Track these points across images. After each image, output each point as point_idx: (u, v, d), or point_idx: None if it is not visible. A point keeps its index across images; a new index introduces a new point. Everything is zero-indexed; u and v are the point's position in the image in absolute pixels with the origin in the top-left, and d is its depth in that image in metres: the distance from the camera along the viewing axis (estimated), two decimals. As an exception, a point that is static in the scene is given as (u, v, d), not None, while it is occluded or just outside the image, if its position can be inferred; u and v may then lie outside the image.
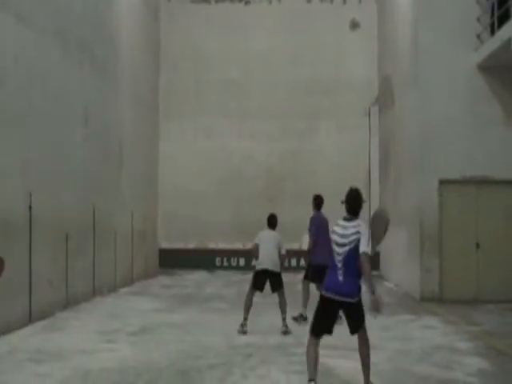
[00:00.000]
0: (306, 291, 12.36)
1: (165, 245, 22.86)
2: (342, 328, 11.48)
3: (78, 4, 14.53)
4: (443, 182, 15.52)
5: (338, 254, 7.55)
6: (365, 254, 7.43)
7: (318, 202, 12.91)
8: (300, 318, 12.06)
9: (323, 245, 11.14)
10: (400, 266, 18.15)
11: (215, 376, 8.12)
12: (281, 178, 22.75)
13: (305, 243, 12.86)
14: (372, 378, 8.05)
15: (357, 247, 7.46)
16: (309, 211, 22.01)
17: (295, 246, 21.58)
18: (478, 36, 15.42)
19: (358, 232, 7.52)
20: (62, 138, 13.54)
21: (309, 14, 23.36)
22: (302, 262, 21.55)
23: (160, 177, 22.98)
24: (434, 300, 15.03)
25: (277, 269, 11.53)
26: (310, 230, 12.55)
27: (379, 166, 22.38)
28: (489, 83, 15.49)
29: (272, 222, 12.04)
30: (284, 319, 11.31)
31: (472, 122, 15.45)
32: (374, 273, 21.70)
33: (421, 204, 15.76)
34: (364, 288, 7.38)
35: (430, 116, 15.65)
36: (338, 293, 7.42)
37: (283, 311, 11.39)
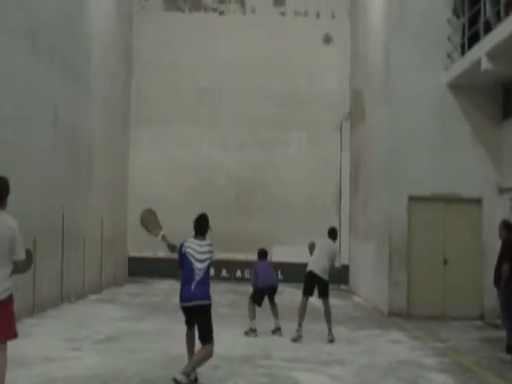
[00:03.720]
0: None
1: (134, 253, 22.70)
2: (310, 341, 11.59)
3: (48, 7, 14.43)
4: (412, 199, 15.61)
5: (199, 268, 8.31)
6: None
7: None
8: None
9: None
10: (368, 280, 18.22)
11: (182, 386, 8.08)
12: (251, 188, 22.75)
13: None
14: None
15: (210, 262, 8.43)
16: (278, 222, 22.08)
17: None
18: (449, 55, 15.60)
19: (211, 251, 8.54)
20: (31, 141, 13.41)
21: (283, 27, 23.46)
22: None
23: (130, 183, 22.84)
24: (401, 315, 15.10)
25: (324, 276, 12.16)
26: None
27: (350, 181, 22.49)
28: (458, 102, 15.65)
29: (333, 234, 12.76)
30: (330, 328, 11.98)
31: (441, 139, 15.59)
32: (343, 287, 21.90)
33: (390, 219, 15.84)
34: None
35: (400, 133, 15.78)
36: (193, 299, 8.18)
37: (328, 320, 12.09)
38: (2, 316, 6.76)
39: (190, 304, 8.17)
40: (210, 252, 8.52)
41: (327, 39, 23.59)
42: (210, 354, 8.10)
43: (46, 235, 14.07)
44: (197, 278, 8.20)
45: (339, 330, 13.09)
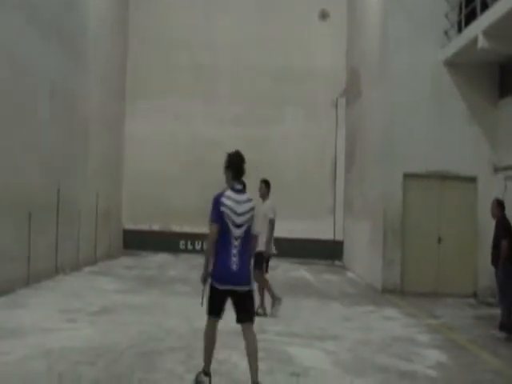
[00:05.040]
0: None
1: (129, 226, 22.73)
2: (304, 316, 11.64)
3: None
4: (407, 176, 15.63)
5: (236, 236, 6.66)
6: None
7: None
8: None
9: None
10: (363, 257, 18.28)
11: (176, 359, 8.12)
12: (247, 164, 22.63)
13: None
14: (333, 367, 8.14)
15: (250, 227, 6.76)
16: (272, 198, 22.04)
17: (259, 233, 21.74)
18: (446, 33, 15.54)
19: (253, 208, 6.82)
20: (27, 115, 13.35)
21: (279, 1, 23.30)
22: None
23: (126, 157, 22.83)
24: (395, 292, 15.19)
25: None
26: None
27: (345, 157, 22.47)
28: (455, 80, 15.62)
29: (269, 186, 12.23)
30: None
31: (437, 117, 15.57)
32: (337, 263, 21.96)
33: (385, 196, 15.87)
34: None
35: (396, 110, 15.76)
36: (235, 284, 6.64)
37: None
38: None
39: (228, 288, 6.64)
40: (251, 211, 6.79)
41: (324, 15, 23.40)
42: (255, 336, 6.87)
43: (42, 208, 14.07)
44: (233, 250, 6.59)
45: (333, 306, 13.17)
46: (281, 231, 21.88)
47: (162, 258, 21.22)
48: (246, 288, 6.71)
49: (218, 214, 6.65)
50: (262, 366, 7.92)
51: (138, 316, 10.87)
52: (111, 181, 20.95)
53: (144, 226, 22.79)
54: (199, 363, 7.90)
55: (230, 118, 23.07)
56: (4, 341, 8.56)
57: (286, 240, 21.92)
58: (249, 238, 6.77)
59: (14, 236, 12.53)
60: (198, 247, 22.78)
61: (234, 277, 6.61)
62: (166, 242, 22.56)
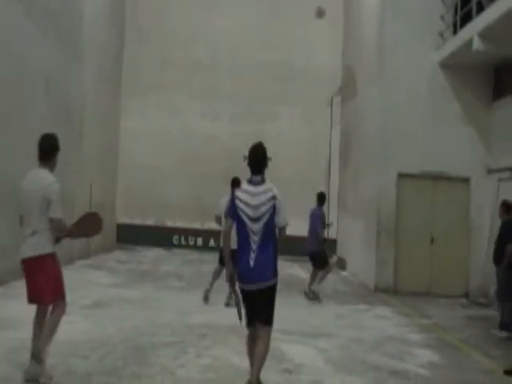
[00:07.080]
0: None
1: (123, 220, 22.70)
2: (297, 314, 11.66)
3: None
4: (402, 176, 15.65)
5: (254, 232, 6.28)
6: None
7: None
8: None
9: None
10: (356, 255, 18.30)
11: (169, 354, 8.13)
12: (242, 160, 22.65)
13: None
14: (324, 364, 8.17)
15: (273, 218, 6.29)
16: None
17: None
18: (441, 34, 15.56)
19: (273, 198, 6.35)
20: (21, 105, 13.28)
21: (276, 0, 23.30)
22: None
23: (120, 151, 22.78)
24: (388, 291, 15.21)
25: None
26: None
27: (339, 156, 22.45)
28: (450, 81, 15.63)
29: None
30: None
31: (432, 118, 15.58)
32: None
33: (379, 196, 15.89)
34: None
35: (391, 110, 15.75)
36: (255, 281, 6.31)
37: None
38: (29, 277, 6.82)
39: (248, 287, 6.35)
40: (270, 202, 6.32)
41: (320, 12, 23.37)
42: (269, 342, 6.58)
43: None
44: (253, 245, 6.24)
45: (326, 304, 13.18)
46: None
47: (155, 252, 21.21)
48: (268, 283, 6.38)
49: (232, 208, 6.39)
50: (254, 362, 7.97)
51: (131, 310, 10.87)
52: (105, 175, 20.89)
53: (138, 221, 22.79)
54: (192, 358, 7.95)
55: (226, 113, 23.07)
56: (-3, 332, 8.56)
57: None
58: (273, 231, 6.38)
59: (6, 228, 12.48)
60: (191, 242, 22.84)
61: (254, 274, 6.26)
62: (160, 236, 22.56)
